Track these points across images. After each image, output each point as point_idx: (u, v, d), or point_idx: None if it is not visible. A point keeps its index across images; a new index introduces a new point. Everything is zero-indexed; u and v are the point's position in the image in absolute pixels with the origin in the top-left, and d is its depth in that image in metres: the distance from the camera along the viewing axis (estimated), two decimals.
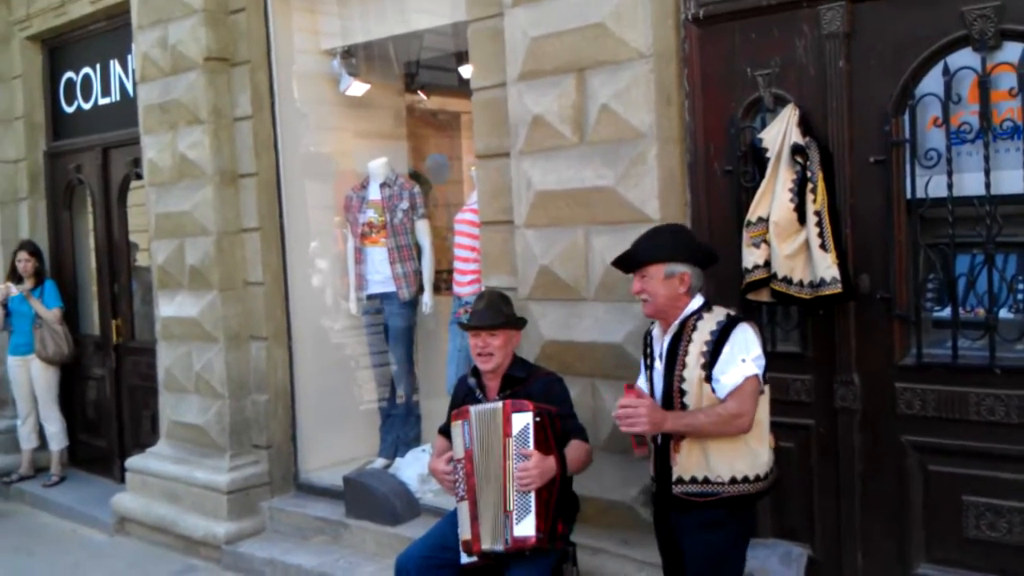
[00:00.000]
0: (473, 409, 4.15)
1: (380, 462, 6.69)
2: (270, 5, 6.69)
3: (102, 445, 8.68)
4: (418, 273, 6.61)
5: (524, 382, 4.32)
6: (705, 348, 3.58)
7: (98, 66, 8.54)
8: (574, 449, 4.13)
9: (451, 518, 4.32)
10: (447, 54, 7.59)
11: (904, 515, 4.17)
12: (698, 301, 3.70)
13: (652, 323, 3.89)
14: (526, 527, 3.94)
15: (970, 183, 3.93)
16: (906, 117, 4.05)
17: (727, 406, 3.52)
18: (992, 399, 3.91)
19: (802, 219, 4.11)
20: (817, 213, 4.07)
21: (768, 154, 4.23)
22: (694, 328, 3.64)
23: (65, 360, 8.56)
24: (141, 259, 8.39)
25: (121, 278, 8.41)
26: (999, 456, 3.90)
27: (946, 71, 3.93)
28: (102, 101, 8.55)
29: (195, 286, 6.87)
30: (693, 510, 3.63)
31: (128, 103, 7.87)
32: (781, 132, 4.19)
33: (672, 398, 3.65)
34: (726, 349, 3.56)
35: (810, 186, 4.09)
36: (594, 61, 4.66)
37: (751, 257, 4.25)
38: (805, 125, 4.18)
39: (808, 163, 4.10)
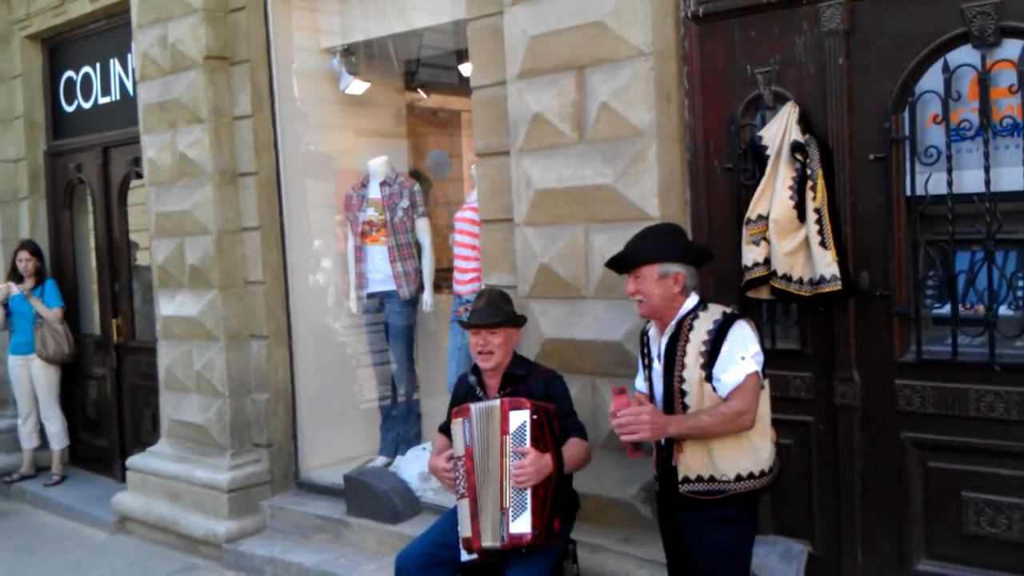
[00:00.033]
0: (474, 407, 4.15)
1: (381, 460, 6.69)
2: (270, 4, 6.69)
3: (103, 444, 8.69)
4: (418, 271, 6.61)
5: (524, 380, 4.32)
6: (704, 348, 3.58)
7: (98, 65, 8.55)
8: (572, 447, 4.13)
9: (451, 516, 4.32)
10: (447, 52, 7.60)
11: (904, 512, 4.17)
12: (693, 300, 3.70)
13: (648, 322, 3.89)
14: (522, 524, 3.94)
15: (970, 180, 3.93)
16: (906, 114, 4.06)
17: (730, 405, 3.52)
18: (992, 396, 3.92)
19: (802, 216, 4.12)
20: (817, 210, 4.07)
21: (768, 152, 4.23)
22: (691, 328, 3.64)
23: (66, 359, 8.56)
24: (141, 258, 8.39)
25: (121, 277, 8.41)
26: (999, 452, 3.91)
27: (946, 68, 3.94)
28: (102, 100, 8.55)
29: (195, 285, 6.87)
30: (701, 508, 3.64)
31: (128, 102, 7.88)
32: (781, 130, 4.20)
33: (673, 399, 3.66)
34: (725, 348, 3.56)
35: (810, 183, 4.09)
36: (594, 59, 4.66)
37: (751, 255, 4.25)
38: (805, 122, 4.18)
39: (808, 160, 4.10)
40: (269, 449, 6.79)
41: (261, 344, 6.79)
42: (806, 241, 4.11)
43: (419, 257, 6.63)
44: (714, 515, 3.62)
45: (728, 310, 3.68)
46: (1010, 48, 3.82)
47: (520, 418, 3.99)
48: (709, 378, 3.57)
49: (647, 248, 3.73)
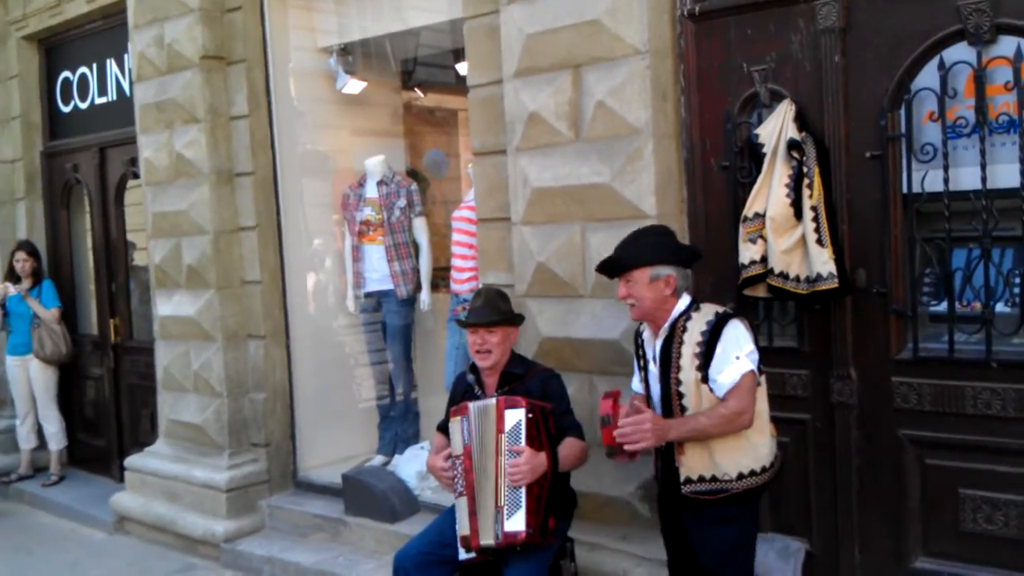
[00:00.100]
0: (472, 405, 4.16)
1: (379, 459, 6.69)
2: (266, 3, 6.68)
3: (101, 444, 8.68)
4: (416, 271, 6.61)
5: (522, 379, 4.32)
6: (698, 349, 3.58)
7: (94, 65, 8.53)
8: (568, 446, 4.13)
9: (449, 515, 4.32)
10: (444, 51, 7.61)
11: (901, 509, 4.18)
12: (685, 301, 3.70)
13: (641, 324, 3.89)
14: (516, 522, 3.95)
15: (966, 177, 3.93)
16: (902, 112, 4.06)
17: (728, 405, 3.52)
18: (989, 393, 3.92)
19: (798, 214, 4.12)
20: (813, 208, 4.07)
21: (764, 149, 4.23)
22: (684, 329, 3.64)
23: (63, 360, 8.55)
24: (139, 258, 8.38)
25: (119, 277, 8.41)
26: (996, 449, 3.91)
27: (942, 66, 3.94)
28: (99, 100, 8.54)
29: (192, 285, 6.87)
30: (703, 508, 3.64)
31: (125, 102, 7.87)
32: (777, 127, 4.20)
33: (671, 401, 3.66)
34: (719, 348, 3.56)
35: (806, 181, 4.09)
36: (590, 58, 4.66)
37: (747, 253, 4.25)
38: (801, 120, 4.19)
39: (804, 158, 4.11)
40: (267, 449, 6.79)
41: (259, 344, 6.79)
42: (803, 239, 4.11)
43: (416, 256, 6.63)
44: (716, 514, 3.63)
45: (720, 310, 3.67)
46: (1006, 45, 3.82)
47: (515, 417, 4.00)
48: (705, 379, 3.57)
49: (637, 251, 3.73)
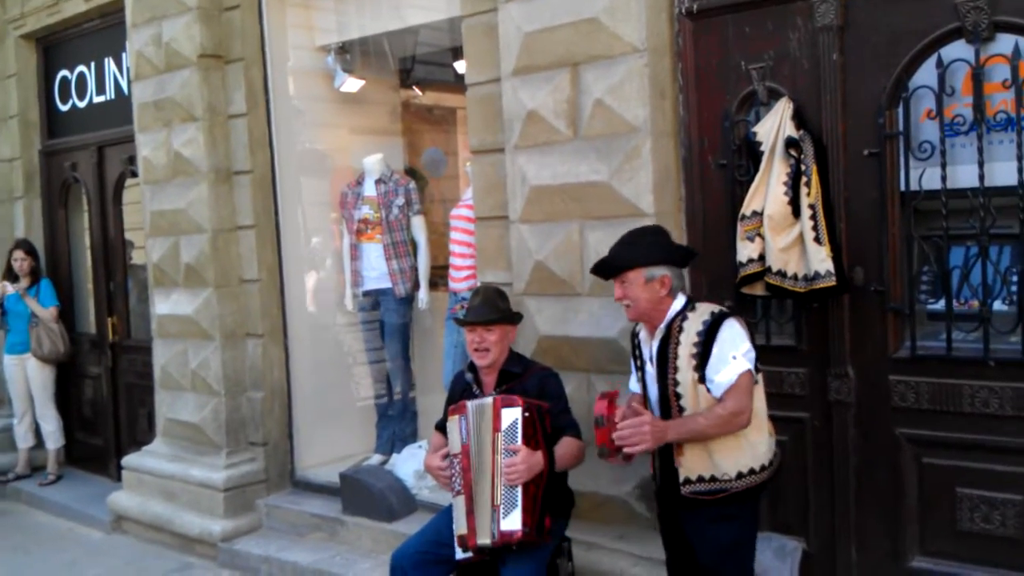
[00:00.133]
0: (470, 404, 4.15)
1: (376, 458, 6.68)
2: (264, 2, 6.67)
3: (98, 443, 8.67)
4: (414, 269, 6.61)
5: (520, 377, 4.32)
6: (695, 349, 3.58)
7: (93, 64, 8.53)
8: (565, 445, 4.13)
9: (446, 514, 4.32)
10: (442, 49, 7.60)
11: (898, 508, 4.17)
12: (680, 301, 3.70)
13: (638, 324, 3.88)
14: (512, 521, 3.94)
15: (964, 175, 3.93)
16: (900, 110, 4.06)
17: (726, 406, 3.52)
18: (986, 391, 3.92)
19: (796, 212, 4.11)
20: (811, 206, 4.07)
21: (762, 147, 4.23)
22: (680, 330, 3.63)
23: (61, 359, 8.56)
24: (137, 257, 8.38)
25: (117, 276, 8.40)
26: (993, 448, 3.91)
27: (939, 63, 3.94)
28: (97, 99, 8.54)
29: (190, 284, 6.86)
30: (703, 507, 3.64)
31: (123, 101, 7.86)
32: (775, 125, 4.20)
33: (669, 401, 3.65)
34: (716, 348, 3.55)
35: (804, 179, 4.09)
36: (588, 56, 4.66)
37: (745, 251, 4.25)
38: (799, 118, 4.18)
39: (802, 156, 4.10)
40: (265, 448, 6.78)
41: (256, 342, 6.78)
42: (800, 237, 4.10)
43: (415, 255, 6.62)
44: (716, 513, 3.63)
45: (716, 309, 3.66)
46: (1004, 43, 3.82)
47: (512, 416, 3.99)
48: (702, 380, 3.57)
49: (631, 253, 3.72)
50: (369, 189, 6.63)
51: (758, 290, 4.29)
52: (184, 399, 7.01)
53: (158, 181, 7.02)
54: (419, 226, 6.62)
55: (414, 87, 8.31)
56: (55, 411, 8.61)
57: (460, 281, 6.12)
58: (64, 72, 8.89)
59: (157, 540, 6.95)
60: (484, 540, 3.99)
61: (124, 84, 8.04)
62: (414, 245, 6.63)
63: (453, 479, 4.17)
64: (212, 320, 6.73)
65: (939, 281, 4.06)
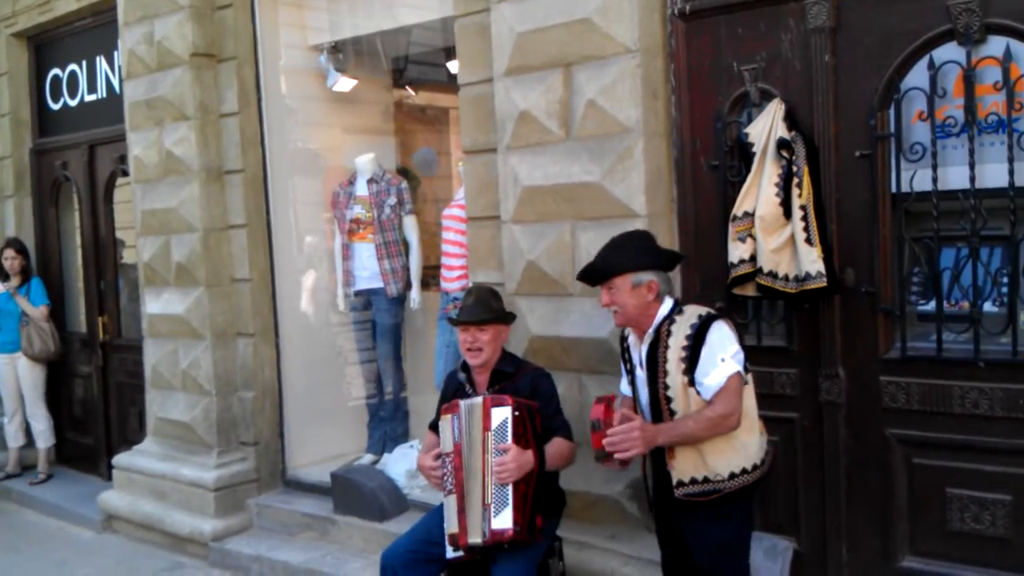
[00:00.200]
0: (462, 403, 4.15)
1: (368, 458, 6.67)
2: (256, 0, 6.66)
3: (89, 443, 8.65)
4: (406, 269, 6.60)
5: (512, 377, 4.32)
6: (683, 353, 3.58)
7: (84, 63, 8.51)
8: (555, 445, 4.13)
9: (437, 513, 4.31)
10: (435, 49, 7.60)
11: (889, 508, 4.18)
12: (668, 305, 3.70)
13: (626, 329, 3.89)
14: (503, 520, 3.94)
15: (955, 177, 3.94)
16: (891, 111, 4.07)
17: (715, 408, 3.53)
18: (976, 392, 3.93)
19: (788, 213, 4.13)
20: (803, 207, 4.08)
21: (754, 149, 4.24)
22: (669, 333, 3.64)
23: (52, 358, 8.54)
24: (127, 256, 8.36)
25: (107, 275, 8.38)
26: (983, 449, 3.92)
27: (931, 65, 3.95)
28: (88, 98, 8.52)
29: (181, 283, 6.85)
30: (698, 508, 3.65)
31: (114, 100, 7.84)
32: (767, 127, 4.21)
33: (659, 405, 3.66)
34: (704, 351, 3.56)
35: (796, 180, 4.10)
36: (580, 56, 4.66)
37: (737, 252, 4.26)
38: (791, 119, 4.19)
39: (794, 157, 4.11)
40: (255, 447, 6.77)
41: (247, 342, 6.77)
42: (792, 238, 4.11)
43: (407, 254, 6.61)
44: (711, 512, 3.64)
45: (703, 312, 3.67)
46: (995, 45, 3.83)
47: (502, 415, 4.00)
48: (692, 383, 3.57)
49: (618, 259, 3.73)
50: (361, 189, 6.62)
51: (749, 291, 4.30)
52: (175, 398, 7.00)
53: (149, 180, 7.01)
54: (411, 226, 6.61)
55: (407, 87, 8.31)
56: (45, 410, 8.59)
57: (452, 281, 6.12)
58: (55, 70, 8.86)
59: (147, 539, 6.93)
60: (475, 539, 3.99)
61: (116, 83, 8.02)
62: (406, 245, 6.62)
63: (445, 478, 4.17)
64: (203, 319, 6.72)
65: (930, 282, 4.08)
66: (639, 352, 3.76)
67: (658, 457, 3.74)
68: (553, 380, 4.39)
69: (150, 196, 7.00)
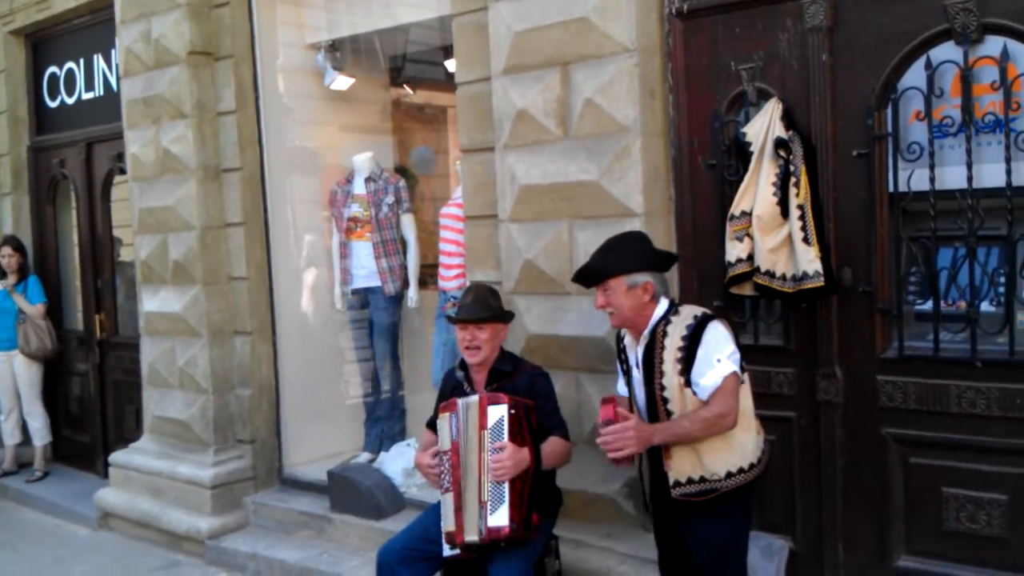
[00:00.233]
0: (460, 401, 4.15)
1: (365, 456, 6.68)
2: None
3: (86, 440, 8.64)
4: (403, 267, 6.60)
5: (510, 376, 4.33)
6: (679, 354, 3.58)
7: (81, 61, 8.50)
8: (552, 444, 4.14)
9: (434, 511, 4.31)
10: (433, 48, 7.60)
11: (885, 507, 4.19)
12: (664, 306, 3.70)
13: (622, 330, 3.89)
14: (500, 517, 3.94)
15: (952, 176, 3.94)
16: (888, 111, 4.07)
17: (711, 409, 3.53)
18: (973, 392, 3.93)
19: (785, 213, 4.12)
20: (800, 207, 4.08)
21: (751, 148, 4.24)
22: (665, 334, 3.64)
23: (48, 355, 8.53)
24: (125, 254, 8.36)
25: (104, 273, 8.38)
26: (979, 448, 3.93)
27: (928, 65, 3.95)
28: (86, 96, 8.51)
29: (179, 281, 6.84)
30: (695, 507, 3.65)
31: (112, 98, 7.84)
32: (764, 126, 4.21)
33: (656, 406, 3.66)
34: (700, 351, 3.56)
35: (793, 180, 4.10)
36: (578, 55, 4.66)
37: (734, 251, 4.26)
38: (788, 119, 4.19)
39: (791, 157, 4.11)
40: (252, 445, 6.77)
41: (245, 340, 6.77)
42: (789, 237, 4.11)
43: (404, 253, 6.61)
44: (708, 511, 3.63)
45: (699, 312, 3.67)
46: (992, 45, 3.83)
47: (498, 413, 4.00)
48: (688, 383, 3.57)
49: (613, 260, 3.73)
50: (359, 187, 6.62)
51: (747, 290, 4.30)
52: (172, 396, 6.99)
53: (146, 178, 7.00)
54: (408, 224, 6.61)
55: (404, 85, 8.31)
56: (42, 408, 8.58)
57: (450, 280, 6.12)
58: (53, 68, 8.85)
59: (144, 537, 6.92)
60: (472, 537, 3.99)
61: (113, 81, 8.01)
62: (403, 243, 6.62)
63: (442, 476, 4.17)
64: (200, 317, 6.72)
65: (927, 282, 4.08)
66: (635, 353, 3.76)
67: (655, 456, 3.74)
68: (551, 380, 4.39)
69: (147, 194, 6.99)
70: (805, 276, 4.05)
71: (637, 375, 3.76)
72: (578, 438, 4.55)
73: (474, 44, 5.20)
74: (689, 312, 3.67)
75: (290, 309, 6.97)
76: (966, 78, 3.87)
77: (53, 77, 8.86)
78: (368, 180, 6.60)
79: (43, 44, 8.97)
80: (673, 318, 3.65)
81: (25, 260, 8.59)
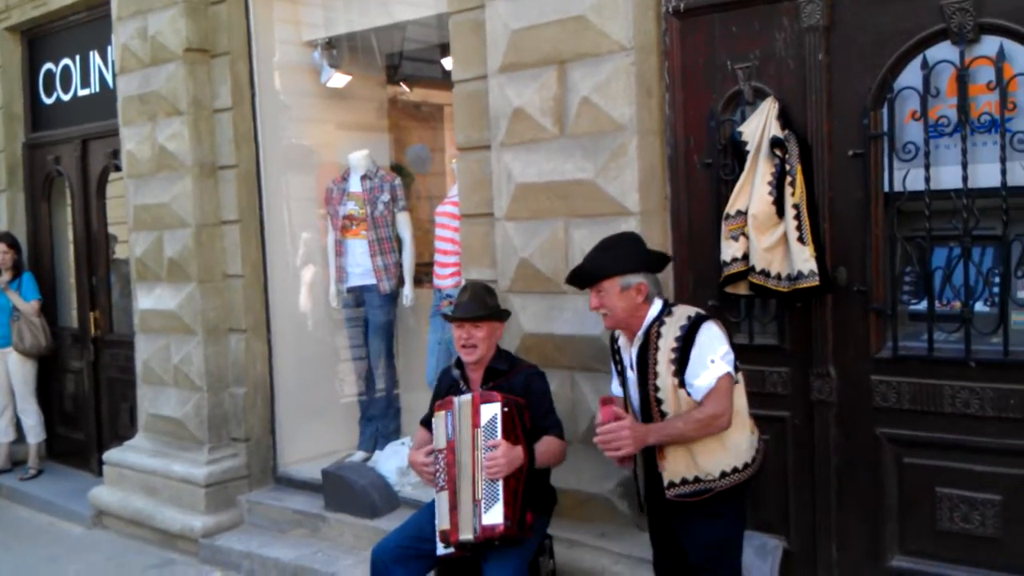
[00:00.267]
0: (456, 400, 4.15)
1: (359, 455, 6.67)
2: None
3: (80, 438, 8.62)
4: (399, 266, 6.59)
5: (506, 375, 4.33)
6: (673, 355, 3.58)
7: (78, 57, 8.48)
8: (546, 443, 4.14)
9: (428, 509, 4.31)
10: (430, 46, 7.58)
11: (879, 507, 4.19)
12: (657, 306, 3.70)
13: (616, 330, 3.88)
14: (494, 515, 3.95)
15: (947, 176, 3.95)
16: (884, 110, 4.07)
17: (704, 410, 3.52)
18: (967, 392, 3.93)
19: (780, 212, 4.13)
20: (795, 206, 4.08)
21: (747, 147, 4.24)
22: (659, 335, 3.63)
23: (43, 353, 8.51)
24: (120, 251, 8.35)
25: (99, 270, 8.36)
26: (973, 448, 3.93)
27: (924, 65, 3.95)
28: (81, 92, 8.49)
29: (174, 279, 6.83)
30: (690, 507, 3.64)
31: (108, 94, 7.82)
32: (760, 125, 4.21)
33: (650, 406, 3.66)
34: (694, 352, 3.55)
35: (789, 179, 4.10)
36: (575, 54, 4.66)
37: (729, 250, 4.26)
38: (784, 118, 4.19)
39: (787, 156, 4.12)
40: (247, 443, 6.76)
41: (239, 338, 6.76)
42: (784, 237, 4.11)
43: (400, 251, 6.61)
44: (702, 512, 3.63)
45: (693, 312, 3.66)
46: (988, 45, 3.83)
47: (491, 411, 4.01)
48: (683, 384, 3.57)
49: (606, 262, 3.72)
50: (355, 185, 6.61)
51: (742, 289, 4.30)
52: (166, 394, 6.98)
53: (142, 175, 6.99)
54: (404, 222, 6.60)
55: (401, 83, 8.29)
56: (36, 405, 8.56)
57: (445, 278, 6.11)
58: (49, 65, 8.83)
59: (138, 535, 6.91)
60: (466, 535, 3.99)
61: (109, 77, 7.99)
62: (399, 241, 6.61)
63: (437, 475, 4.16)
64: (195, 315, 6.71)
65: (922, 282, 4.08)
66: (629, 354, 3.76)
67: (649, 456, 3.73)
68: (547, 379, 4.38)
69: (143, 191, 6.99)
70: (800, 275, 4.06)
71: (631, 376, 3.76)
72: (573, 437, 4.55)
73: (471, 42, 5.20)
74: (683, 313, 3.66)
75: (285, 307, 6.97)
76: (962, 78, 3.87)
77: (49, 74, 8.84)
78: (364, 178, 6.59)
79: (39, 40, 8.95)
80: (667, 319, 3.65)
81: (20, 257, 8.57)
